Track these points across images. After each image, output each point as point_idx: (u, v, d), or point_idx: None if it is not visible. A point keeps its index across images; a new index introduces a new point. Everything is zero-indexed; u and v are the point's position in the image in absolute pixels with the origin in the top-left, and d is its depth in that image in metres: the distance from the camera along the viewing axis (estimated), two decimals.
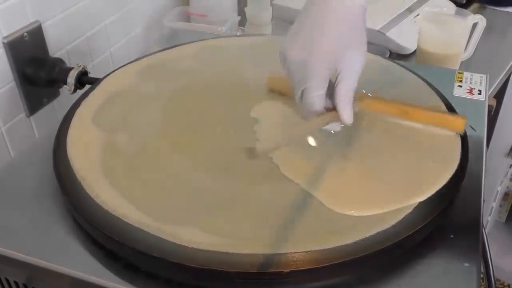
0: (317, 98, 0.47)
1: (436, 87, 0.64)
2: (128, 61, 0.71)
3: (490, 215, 1.46)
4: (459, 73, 0.71)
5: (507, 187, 1.47)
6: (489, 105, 0.67)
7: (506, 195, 1.49)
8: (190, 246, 0.43)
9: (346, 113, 0.48)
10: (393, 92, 0.63)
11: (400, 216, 0.46)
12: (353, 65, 0.47)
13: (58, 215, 0.51)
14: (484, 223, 1.44)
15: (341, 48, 0.46)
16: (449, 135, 0.56)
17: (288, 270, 0.42)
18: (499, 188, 1.41)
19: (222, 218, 0.46)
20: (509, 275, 1.43)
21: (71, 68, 0.70)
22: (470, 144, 0.55)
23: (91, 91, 0.64)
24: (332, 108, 0.49)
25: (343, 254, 0.42)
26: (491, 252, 0.62)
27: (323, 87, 0.47)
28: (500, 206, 1.52)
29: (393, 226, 0.45)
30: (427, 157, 0.53)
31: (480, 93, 0.67)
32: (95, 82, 0.67)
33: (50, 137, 0.58)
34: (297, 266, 0.42)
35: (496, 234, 1.52)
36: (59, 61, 0.73)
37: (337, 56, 0.46)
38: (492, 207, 1.45)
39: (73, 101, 0.63)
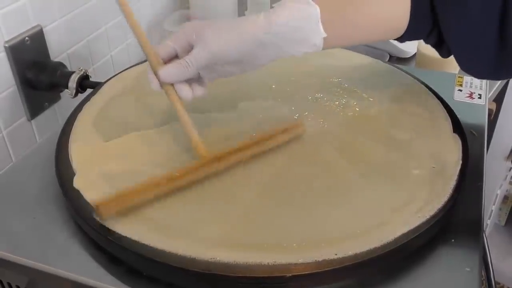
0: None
1: (436, 91, 0.64)
2: (129, 65, 0.71)
3: (489, 218, 1.46)
4: (459, 77, 0.71)
5: (507, 190, 1.47)
6: (489, 109, 0.68)
7: (505, 198, 1.49)
8: (189, 256, 0.43)
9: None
10: (392, 97, 0.63)
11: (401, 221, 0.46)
12: (196, 52, 0.48)
13: (60, 219, 0.51)
14: (484, 226, 1.45)
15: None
16: (450, 139, 0.56)
17: (289, 275, 0.42)
18: (498, 191, 1.41)
19: (221, 226, 0.46)
20: (509, 278, 1.43)
21: (73, 72, 0.71)
22: (470, 148, 0.55)
23: (92, 96, 0.64)
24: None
25: (345, 259, 0.43)
26: (491, 255, 0.62)
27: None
28: (500, 209, 1.52)
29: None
30: (427, 162, 0.53)
31: (480, 97, 0.67)
32: (96, 86, 0.67)
33: (51, 141, 0.58)
34: (299, 271, 0.42)
35: (496, 237, 1.52)
36: (61, 65, 0.73)
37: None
38: (492, 210, 1.45)
39: (74, 105, 0.63)
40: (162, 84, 0.51)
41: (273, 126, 0.55)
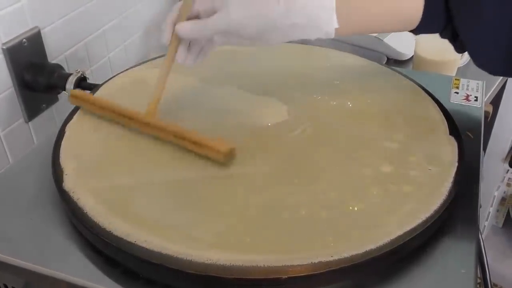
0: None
1: (433, 93, 0.64)
2: (127, 67, 0.71)
3: (487, 220, 1.47)
4: (456, 79, 0.71)
5: (504, 192, 1.48)
6: (485, 111, 0.68)
7: (503, 200, 1.50)
8: (186, 258, 0.43)
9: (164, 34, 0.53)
10: (389, 99, 0.64)
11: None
12: (217, 17, 0.49)
13: (56, 221, 0.51)
14: (481, 228, 1.45)
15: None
16: (446, 141, 0.56)
17: (286, 277, 0.42)
18: (496, 193, 1.42)
19: (217, 227, 0.46)
20: (507, 279, 1.43)
21: (70, 74, 0.71)
22: (467, 150, 0.55)
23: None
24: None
25: (341, 260, 0.43)
26: (488, 257, 0.62)
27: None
28: (497, 211, 1.52)
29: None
30: (424, 164, 0.53)
31: (476, 100, 0.68)
32: (94, 88, 0.67)
33: (49, 142, 0.58)
34: (295, 272, 0.42)
35: (493, 239, 1.52)
36: (58, 67, 0.73)
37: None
38: (489, 212, 1.46)
39: (72, 107, 0.63)
40: (172, 39, 0.53)
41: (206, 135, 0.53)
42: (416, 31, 0.53)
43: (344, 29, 0.50)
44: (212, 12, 0.51)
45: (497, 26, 0.48)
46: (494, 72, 0.53)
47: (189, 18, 0.52)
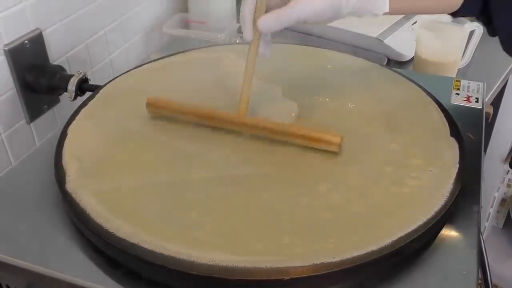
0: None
1: (434, 94, 0.64)
2: (128, 68, 0.71)
3: (487, 220, 1.47)
4: (456, 81, 0.72)
5: (504, 193, 1.48)
6: (486, 112, 0.68)
7: (503, 201, 1.50)
8: (188, 260, 0.43)
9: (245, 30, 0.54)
10: (390, 100, 0.64)
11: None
12: (292, 6, 0.51)
13: (59, 222, 0.51)
14: (482, 229, 1.45)
15: None
16: (447, 142, 0.56)
17: (288, 278, 0.42)
18: (496, 194, 1.42)
19: (219, 229, 0.47)
20: (508, 280, 1.43)
21: (72, 75, 0.71)
22: (467, 151, 0.55)
23: (91, 99, 0.64)
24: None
25: (343, 262, 0.43)
26: (489, 258, 0.62)
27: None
28: (498, 211, 1.52)
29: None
30: (425, 165, 0.53)
31: (477, 101, 0.68)
32: (95, 89, 0.67)
33: (50, 144, 0.58)
34: (297, 273, 0.42)
35: (494, 240, 1.52)
36: (60, 68, 0.73)
37: None
38: (490, 213, 1.46)
39: (73, 108, 0.63)
40: (254, 36, 0.54)
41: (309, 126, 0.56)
42: (455, 14, 0.57)
43: (392, 11, 0.54)
44: (282, 3, 0.52)
45: None
46: None
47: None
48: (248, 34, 0.54)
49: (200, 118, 0.59)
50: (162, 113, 0.60)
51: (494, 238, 1.53)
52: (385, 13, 0.54)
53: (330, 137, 0.54)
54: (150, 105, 0.60)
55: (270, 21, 0.52)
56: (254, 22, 0.53)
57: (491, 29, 0.57)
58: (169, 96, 0.64)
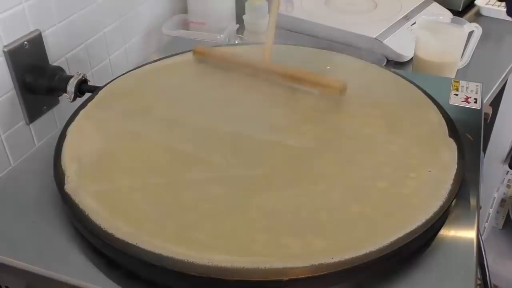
0: None
1: (433, 95, 0.64)
2: (128, 69, 0.71)
3: (487, 221, 1.47)
4: (455, 81, 0.72)
5: (504, 194, 1.48)
6: (485, 113, 0.68)
7: (502, 202, 1.50)
8: (187, 260, 0.43)
9: None
10: (389, 101, 0.64)
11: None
12: None
13: (58, 223, 0.51)
14: (481, 229, 1.45)
15: None
16: (446, 143, 0.56)
17: (287, 279, 0.42)
18: (495, 195, 1.42)
19: (218, 229, 0.47)
20: (507, 281, 1.43)
21: (71, 76, 0.71)
22: (466, 152, 0.55)
23: (91, 100, 0.64)
24: None
25: (341, 262, 0.43)
26: (488, 258, 0.62)
27: None
28: (497, 212, 1.52)
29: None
30: (423, 166, 0.53)
31: (476, 102, 0.68)
32: (95, 90, 0.67)
33: (50, 145, 0.58)
34: (296, 274, 0.42)
35: (493, 241, 1.52)
36: (59, 69, 0.73)
37: None
38: (489, 214, 1.46)
39: (73, 109, 0.63)
40: None
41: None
42: None
43: None
44: None
45: None
46: None
47: None
48: None
49: (232, 65, 0.69)
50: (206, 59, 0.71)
51: (493, 238, 1.53)
52: None
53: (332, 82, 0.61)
54: (197, 52, 0.72)
55: None
56: None
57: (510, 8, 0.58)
58: (170, 95, 0.64)
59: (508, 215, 1.52)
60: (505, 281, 1.43)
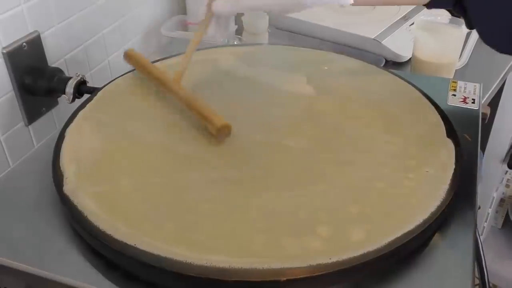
0: None
1: (431, 96, 0.65)
2: (126, 70, 0.71)
3: (486, 221, 1.47)
4: (453, 82, 0.72)
5: (503, 193, 1.48)
6: (483, 113, 0.68)
7: (501, 201, 1.50)
8: (185, 261, 0.43)
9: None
10: (387, 101, 0.64)
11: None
12: None
13: (57, 224, 0.51)
14: (480, 229, 1.45)
15: None
16: (443, 143, 0.56)
17: (284, 279, 0.42)
18: (494, 194, 1.42)
19: (216, 230, 0.47)
20: (506, 280, 1.43)
21: (70, 78, 0.71)
22: (464, 152, 0.55)
23: (89, 101, 0.65)
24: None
25: (339, 263, 0.43)
26: (487, 258, 0.63)
27: None
28: (496, 212, 1.53)
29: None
30: (421, 166, 0.53)
31: (474, 102, 0.68)
32: (93, 91, 0.68)
33: (48, 146, 0.58)
34: (294, 275, 0.42)
35: (492, 240, 1.52)
36: (58, 70, 0.73)
37: None
38: (488, 213, 1.46)
39: (72, 110, 0.63)
40: (206, 15, 0.58)
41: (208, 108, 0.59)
42: (429, 5, 0.55)
43: (357, 2, 0.54)
44: None
45: (504, 7, 0.49)
46: (501, 50, 0.54)
47: None
48: (200, 14, 0.58)
49: (148, 76, 0.66)
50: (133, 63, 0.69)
51: (492, 238, 1.53)
52: (352, 4, 0.53)
53: (215, 118, 0.56)
54: (128, 55, 0.69)
55: (225, 4, 0.55)
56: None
57: (468, 22, 0.55)
58: (168, 96, 0.64)
59: (507, 214, 1.52)
60: (504, 280, 1.43)
